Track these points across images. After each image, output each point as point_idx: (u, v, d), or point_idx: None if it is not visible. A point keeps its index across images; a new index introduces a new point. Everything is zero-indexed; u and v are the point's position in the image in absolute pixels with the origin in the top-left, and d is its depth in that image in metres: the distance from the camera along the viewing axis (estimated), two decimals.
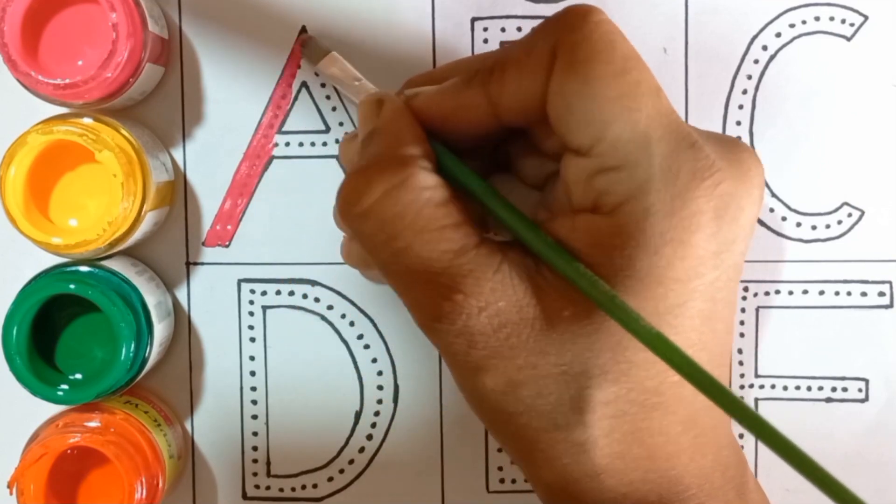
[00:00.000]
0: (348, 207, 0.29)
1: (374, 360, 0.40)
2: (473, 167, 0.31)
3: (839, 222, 0.39)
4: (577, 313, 0.28)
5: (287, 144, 0.40)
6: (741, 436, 0.39)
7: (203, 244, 0.40)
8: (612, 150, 0.28)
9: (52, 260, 0.38)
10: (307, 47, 0.38)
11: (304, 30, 0.39)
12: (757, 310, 0.39)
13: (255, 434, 0.40)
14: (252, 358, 0.40)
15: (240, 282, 0.40)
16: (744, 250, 0.29)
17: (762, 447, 0.39)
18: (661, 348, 0.26)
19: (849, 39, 0.38)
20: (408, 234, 0.29)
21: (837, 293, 0.39)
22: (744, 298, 0.39)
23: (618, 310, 0.27)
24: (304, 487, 0.40)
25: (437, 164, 0.30)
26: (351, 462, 0.40)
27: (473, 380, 0.29)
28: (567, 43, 0.28)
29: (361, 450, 0.40)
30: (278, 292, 0.40)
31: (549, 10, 0.39)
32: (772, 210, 0.39)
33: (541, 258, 0.29)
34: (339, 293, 0.40)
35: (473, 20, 0.39)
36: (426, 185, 0.29)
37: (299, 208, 0.40)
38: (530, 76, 0.29)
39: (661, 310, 0.28)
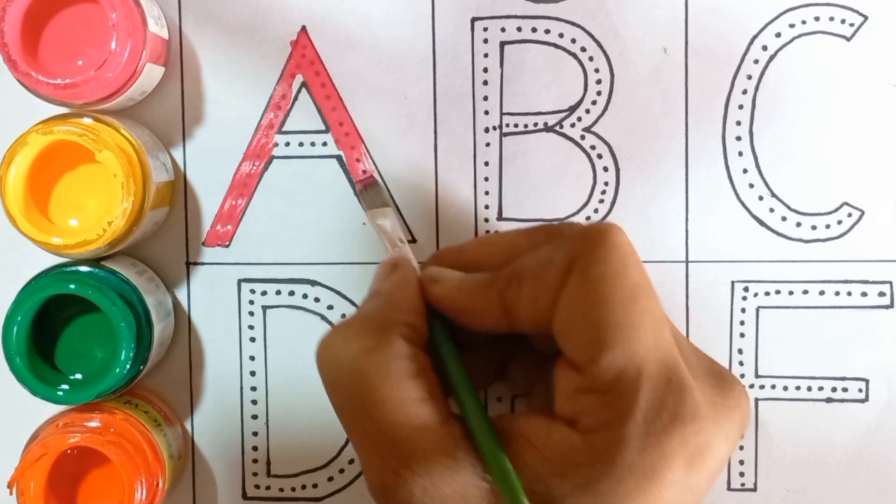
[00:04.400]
0: (325, 353, 0.30)
1: None
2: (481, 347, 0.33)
3: (839, 222, 0.39)
4: None
5: (287, 144, 0.40)
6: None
7: (203, 244, 0.40)
8: (604, 375, 0.28)
9: (52, 260, 0.38)
10: (368, 190, 0.38)
11: (372, 179, 0.39)
12: (757, 310, 0.39)
13: (255, 434, 0.40)
14: (252, 358, 0.40)
15: (240, 282, 0.40)
16: (708, 488, 0.30)
17: (762, 448, 0.39)
18: None
19: (849, 39, 0.38)
20: (371, 397, 0.29)
21: (837, 293, 0.39)
22: (744, 298, 0.39)
23: None
24: (304, 487, 0.40)
25: (428, 338, 0.31)
26: (351, 462, 0.40)
27: None
28: (584, 260, 0.29)
29: None
30: (278, 292, 0.40)
31: (549, 10, 0.39)
32: (772, 210, 0.39)
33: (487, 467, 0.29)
34: (339, 293, 0.40)
35: (473, 20, 0.39)
36: (402, 353, 0.29)
37: (299, 208, 0.40)
38: (544, 289, 0.29)
39: None
